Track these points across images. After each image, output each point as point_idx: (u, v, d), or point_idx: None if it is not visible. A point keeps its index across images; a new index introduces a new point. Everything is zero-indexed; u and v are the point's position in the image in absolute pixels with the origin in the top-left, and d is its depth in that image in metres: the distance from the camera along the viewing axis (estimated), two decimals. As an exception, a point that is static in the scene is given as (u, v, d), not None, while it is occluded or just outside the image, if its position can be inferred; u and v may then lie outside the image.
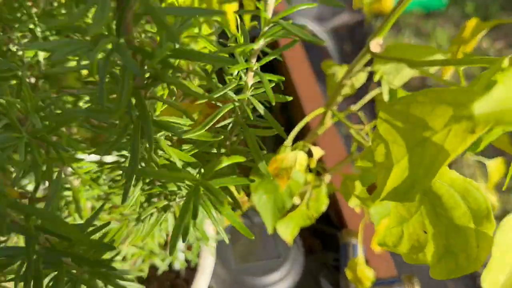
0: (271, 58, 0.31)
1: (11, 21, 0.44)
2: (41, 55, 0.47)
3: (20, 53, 0.47)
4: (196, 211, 0.28)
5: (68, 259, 0.32)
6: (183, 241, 0.32)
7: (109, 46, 0.23)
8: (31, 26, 0.45)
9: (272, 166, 0.59)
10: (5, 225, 0.25)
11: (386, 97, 0.62)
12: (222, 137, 0.35)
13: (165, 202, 0.42)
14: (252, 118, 0.33)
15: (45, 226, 0.29)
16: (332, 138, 0.95)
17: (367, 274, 0.70)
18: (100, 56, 0.25)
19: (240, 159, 0.32)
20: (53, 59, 0.21)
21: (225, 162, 0.30)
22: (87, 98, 0.41)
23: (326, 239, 0.96)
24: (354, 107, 0.67)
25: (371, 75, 0.68)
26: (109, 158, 0.48)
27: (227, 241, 0.36)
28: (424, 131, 0.32)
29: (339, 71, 0.73)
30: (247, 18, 0.80)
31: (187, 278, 0.73)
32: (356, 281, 0.72)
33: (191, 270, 0.72)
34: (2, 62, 0.39)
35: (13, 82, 0.40)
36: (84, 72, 0.50)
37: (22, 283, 0.31)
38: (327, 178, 0.75)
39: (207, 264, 0.70)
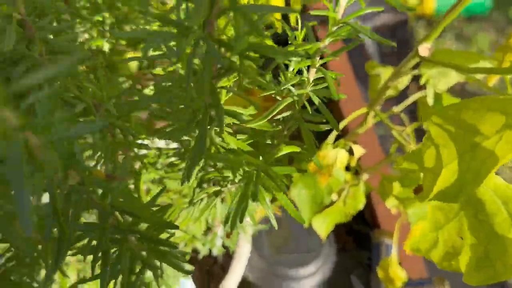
0: (331, 57, 0.32)
1: (77, 12, 0.48)
2: (106, 46, 0.50)
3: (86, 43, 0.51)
4: (256, 194, 0.31)
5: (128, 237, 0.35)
6: (240, 222, 0.34)
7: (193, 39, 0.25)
8: (100, 18, 0.48)
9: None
10: (89, 202, 0.28)
11: (430, 101, 0.63)
12: (280, 127, 0.37)
13: (217, 188, 0.44)
14: (310, 112, 0.35)
15: (115, 204, 0.32)
16: (369, 138, 0.96)
17: (399, 274, 0.71)
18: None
19: (296, 148, 0.34)
20: (146, 48, 0.23)
21: (285, 150, 0.32)
22: (150, 87, 0.44)
23: (359, 238, 0.97)
24: (396, 109, 0.68)
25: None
26: (162, 144, 0.51)
27: (276, 226, 0.38)
28: (475, 137, 0.33)
29: (383, 72, 0.74)
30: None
31: (224, 265, 0.76)
32: (387, 281, 0.73)
33: (228, 257, 0.75)
34: (77, 48, 0.42)
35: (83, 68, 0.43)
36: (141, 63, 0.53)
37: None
38: (364, 177, 0.76)
39: (244, 253, 0.73)
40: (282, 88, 0.32)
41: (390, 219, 0.89)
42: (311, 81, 0.34)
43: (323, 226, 0.72)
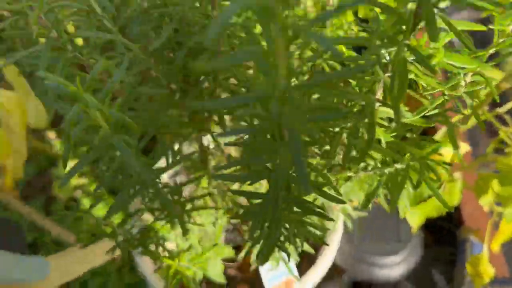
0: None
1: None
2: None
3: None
4: (421, 182, 0.35)
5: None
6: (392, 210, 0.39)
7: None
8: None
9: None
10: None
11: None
12: (433, 125, 0.41)
13: (348, 174, 0.49)
14: (465, 112, 0.38)
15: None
16: (459, 137, 0.98)
17: (488, 270, 0.74)
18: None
19: (448, 145, 0.37)
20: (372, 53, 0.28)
21: (443, 145, 0.36)
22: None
23: (443, 234, 0.99)
24: (501, 109, 0.70)
25: None
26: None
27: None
28: None
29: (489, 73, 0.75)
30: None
31: (315, 245, 0.80)
32: (476, 276, 0.75)
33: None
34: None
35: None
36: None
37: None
38: (457, 174, 0.78)
39: (336, 238, 0.77)
40: (448, 85, 0.36)
41: (476, 217, 0.90)
42: (467, 83, 0.37)
43: (415, 218, 0.75)
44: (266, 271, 0.70)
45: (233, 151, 0.68)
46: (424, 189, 0.70)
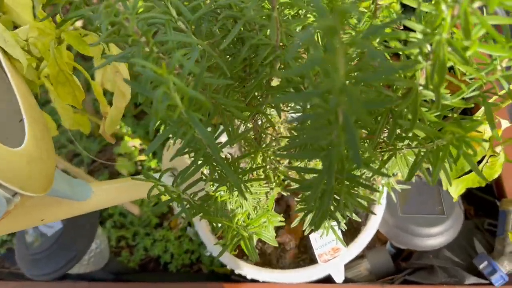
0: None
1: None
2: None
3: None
4: (459, 156, 0.39)
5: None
6: (433, 184, 0.44)
7: None
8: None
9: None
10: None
11: None
12: (473, 105, 0.45)
13: (391, 152, 0.54)
14: (498, 94, 0.42)
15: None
16: (500, 113, 0.99)
17: (528, 240, 0.77)
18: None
19: (485, 123, 0.42)
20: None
21: (484, 123, 0.40)
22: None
23: (483, 206, 1.02)
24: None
25: None
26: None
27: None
28: None
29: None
30: None
31: (360, 218, 0.86)
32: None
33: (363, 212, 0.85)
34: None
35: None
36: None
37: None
38: (498, 148, 0.81)
39: (380, 209, 0.82)
40: (483, 73, 0.40)
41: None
42: (503, 68, 0.41)
43: (456, 190, 0.79)
44: (316, 239, 0.76)
45: (283, 131, 0.74)
46: (465, 164, 0.74)
